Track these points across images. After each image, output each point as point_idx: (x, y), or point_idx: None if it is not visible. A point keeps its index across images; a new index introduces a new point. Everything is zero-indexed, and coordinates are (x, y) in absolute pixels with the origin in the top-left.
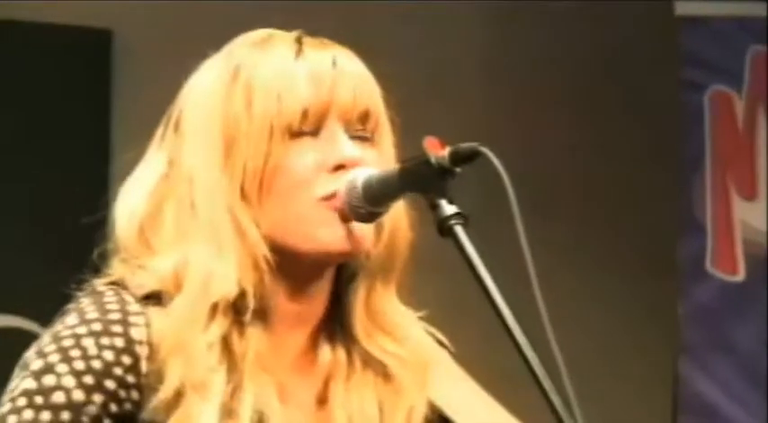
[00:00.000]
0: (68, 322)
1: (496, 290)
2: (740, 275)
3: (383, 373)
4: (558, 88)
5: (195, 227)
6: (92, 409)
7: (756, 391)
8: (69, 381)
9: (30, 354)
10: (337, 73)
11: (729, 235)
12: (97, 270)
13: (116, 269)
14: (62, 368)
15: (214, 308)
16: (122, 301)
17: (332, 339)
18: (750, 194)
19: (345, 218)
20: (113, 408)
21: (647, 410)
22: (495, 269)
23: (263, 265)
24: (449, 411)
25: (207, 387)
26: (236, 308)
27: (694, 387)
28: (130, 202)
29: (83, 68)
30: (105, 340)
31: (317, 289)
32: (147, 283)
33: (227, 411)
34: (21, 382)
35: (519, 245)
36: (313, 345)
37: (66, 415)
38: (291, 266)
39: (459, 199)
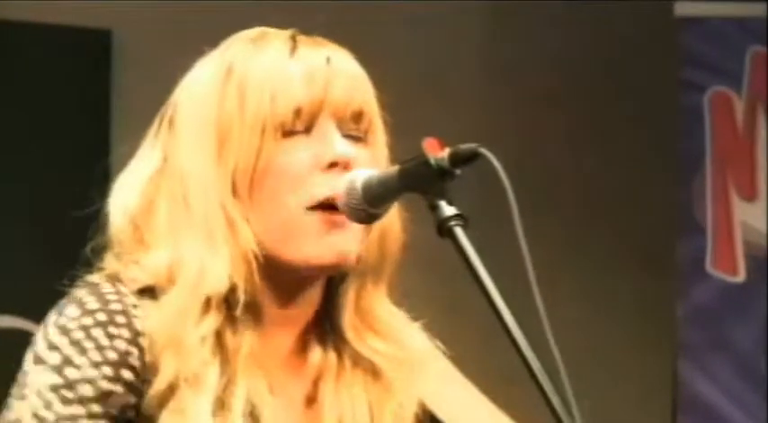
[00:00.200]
0: (70, 313)
1: (496, 290)
2: (740, 276)
3: (372, 371)
4: (558, 88)
5: (188, 222)
6: (117, 400)
7: (756, 391)
8: (92, 372)
9: (39, 347)
10: (331, 71)
11: (729, 235)
12: (91, 265)
13: (110, 264)
14: (80, 360)
15: (207, 302)
16: (120, 293)
17: (322, 339)
18: (750, 195)
19: (337, 224)
20: (132, 399)
21: (647, 410)
22: (495, 270)
23: (254, 261)
24: (439, 412)
25: (200, 380)
26: (228, 303)
27: (694, 387)
28: (124, 197)
29: (82, 68)
30: (113, 330)
31: (304, 295)
32: (141, 278)
33: (220, 404)
34: (40, 376)
35: (518, 245)
36: (303, 344)
37: (96, 408)
38: (279, 273)
39: (459, 200)
